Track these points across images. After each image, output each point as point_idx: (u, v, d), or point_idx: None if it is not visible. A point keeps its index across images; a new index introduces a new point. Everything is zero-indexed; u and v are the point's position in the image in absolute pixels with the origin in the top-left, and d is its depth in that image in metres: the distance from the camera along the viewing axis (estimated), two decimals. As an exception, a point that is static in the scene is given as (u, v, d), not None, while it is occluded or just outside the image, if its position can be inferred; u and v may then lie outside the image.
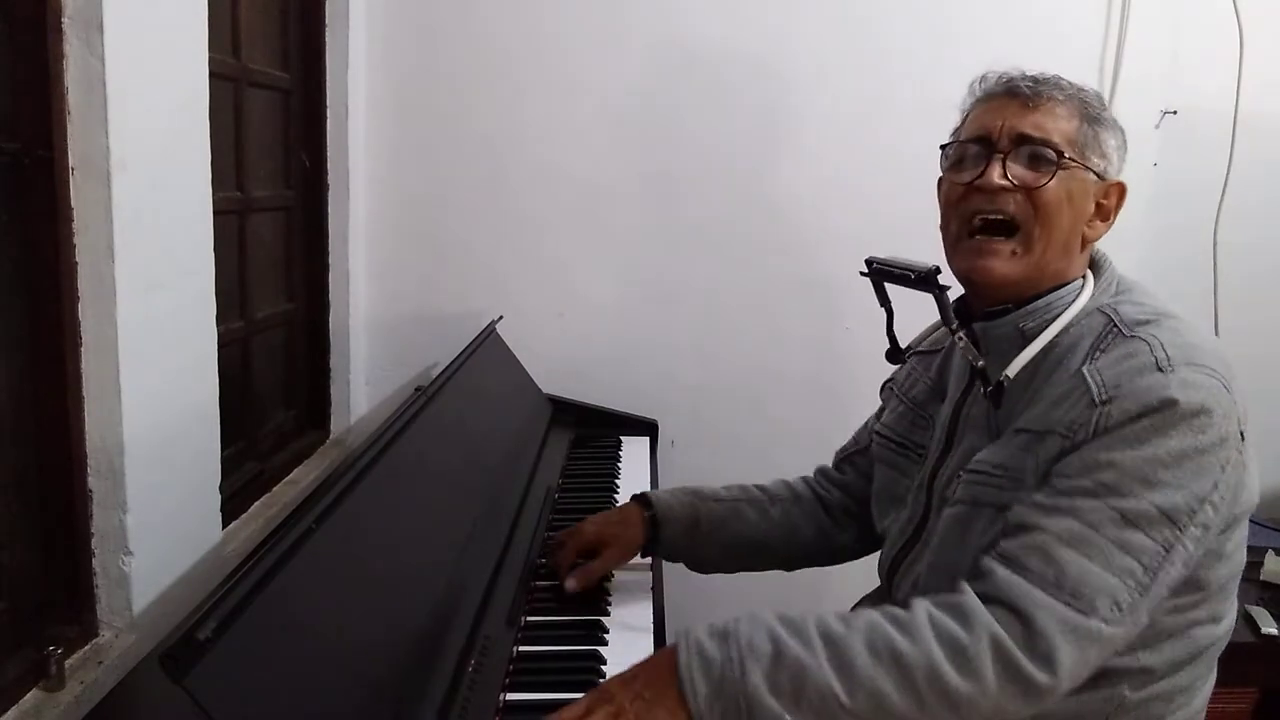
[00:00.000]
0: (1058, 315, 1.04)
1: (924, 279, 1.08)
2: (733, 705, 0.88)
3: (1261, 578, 1.94)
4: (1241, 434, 0.95)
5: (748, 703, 0.87)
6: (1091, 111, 1.07)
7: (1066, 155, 1.04)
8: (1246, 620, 1.82)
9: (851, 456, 1.38)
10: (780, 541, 1.35)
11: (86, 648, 1.13)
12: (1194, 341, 0.97)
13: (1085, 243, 1.08)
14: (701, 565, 1.37)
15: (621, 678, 0.94)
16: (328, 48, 1.90)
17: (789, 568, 1.39)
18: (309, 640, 0.90)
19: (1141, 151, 2.10)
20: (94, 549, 1.13)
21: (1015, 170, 1.04)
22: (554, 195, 2.09)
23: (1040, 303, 1.06)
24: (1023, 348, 1.05)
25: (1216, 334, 2.15)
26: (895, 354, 1.19)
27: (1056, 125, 1.05)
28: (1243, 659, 1.75)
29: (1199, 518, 0.92)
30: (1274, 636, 1.78)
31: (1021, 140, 1.05)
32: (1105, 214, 1.09)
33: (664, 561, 1.39)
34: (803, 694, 0.87)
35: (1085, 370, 0.96)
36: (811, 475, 1.42)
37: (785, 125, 2.06)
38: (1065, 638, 0.87)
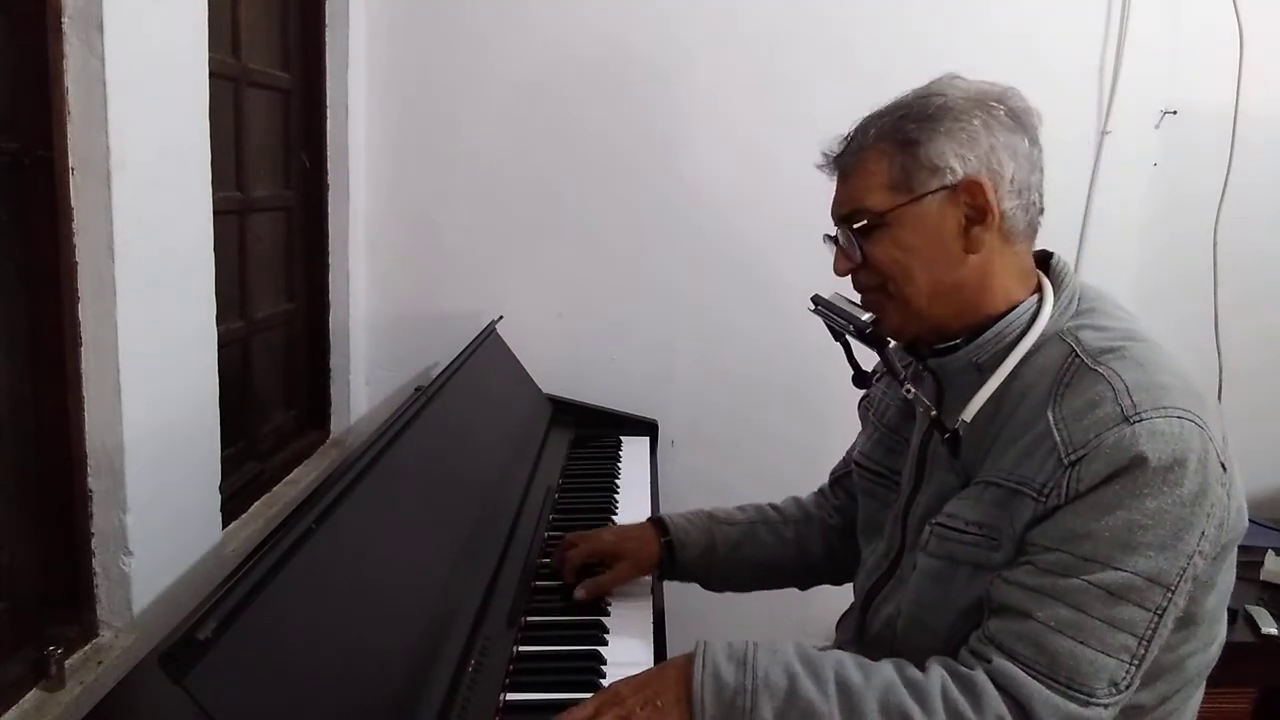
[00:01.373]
0: (1011, 344, 0.99)
1: (861, 334, 1.05)
2: None
3: (1261, 578, 1.95)
4: (1223, 466, 0.90)
5: None
6: (906, 134, 0.99)
7: (881, 210, 0.99)
8: (1247, 620, 1.82)
9: (841, 479, 1.35)
10: (794, 562, 1.33)
11: (86, 648, 1.13)
12: (1160, 379, 0.90)
13: (973, 252, 0.99)
14: (716, 587, 1.36)
15: (632, 682, 0.94)
16: (328, 48, 1.90)
17: (803, 586, 1.38)
18: (309, 640, 0.90)
19: (1141, 151, 2.11)
20: (94, 549, 1.13)
21: (847, 249, 1.03)
22: (554, 195, 2.09)
23: (989, 334, 1.00)
24: (980, 383, 0.99)
25: (1216, 334, 2.16)
26: (861, 379, 1.14)
27: (867, 184, 1.01)
28: (1243, 659, 1.76)
29: (1189, 572, 0.88)
30: (1274, 636, 1.78)
31: (843, 220, 1.03)
32: (981, 215, 0.98)
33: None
34: None
35: (1050, 415, 0.91)
36: (818, 493, 1.40)
37: (786, 126, 2.06)
38: None
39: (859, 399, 1.29)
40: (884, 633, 1.08)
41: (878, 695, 0.89)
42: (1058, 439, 0.90)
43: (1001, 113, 0.99)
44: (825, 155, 1.07)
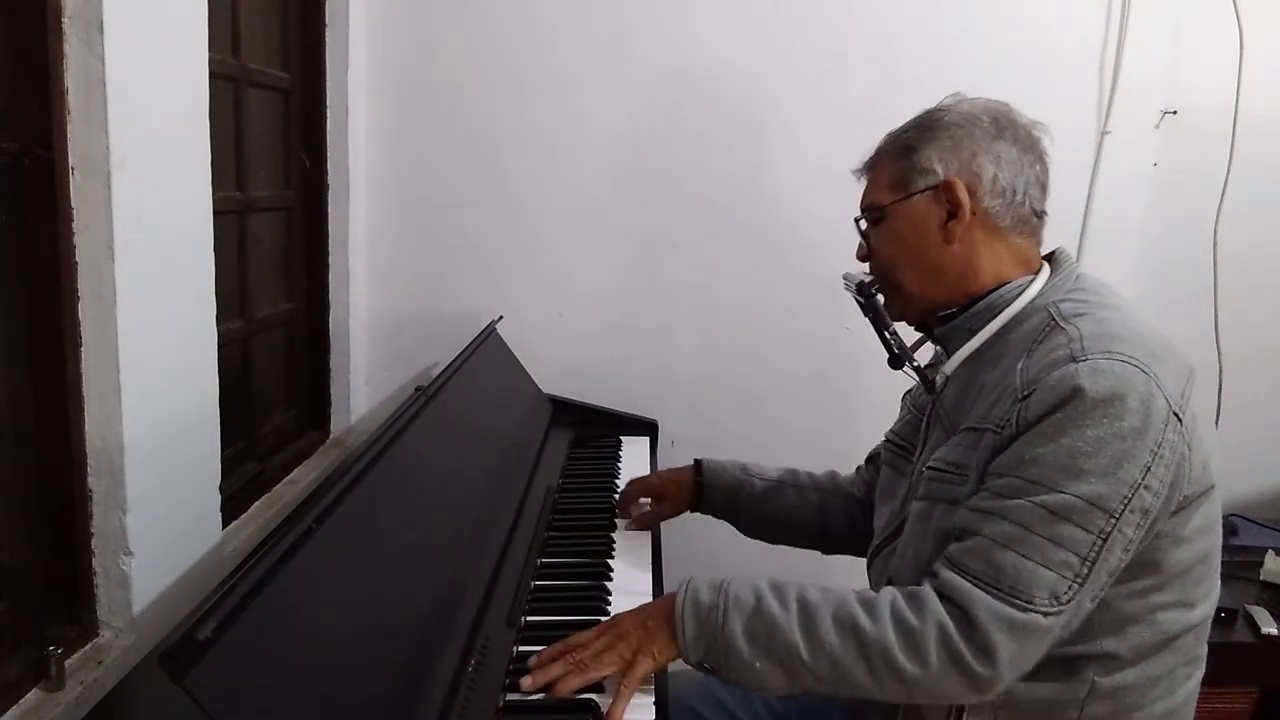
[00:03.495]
0: (999, 313, 1.10)
1: (858, 290, 1.20)
2: (713, 645, 1.01)
3: (1261, 578, 1.95)
4: (1177, 415, 0.96)
5: (725, 645, 1.00)
6: (907, 141, 1.14)
7: (884, 204, 1.15)
8: (1246, 620, 1.82)
9: (874, 457, 1.44)
10: (814, 525, 1.46)
11: (86, 648, 1.13)
12: (1115, 331, 0.99)
13: (949, 244, 1.11)
14: (745, 531, 1.52)
15: (629, 611, 1.09)
16: (328, 48, 1.90)
17: (825, 551, 1.49)
18: (309, 640, 0.90)
19: (1141, 151, 2.11)
20: (94, 549, 1.14)
21: (862, 239, 1.20)
22: (554, 195, 2.09)
23: (983, 303, 1.12)
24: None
25: (1216, 334, 2.16)
26: (894, 360, 1.21)
27: (876, 183, 1.18)
28: (1243, 659, 1.76)
29: (1135, 503, 0.93)
30: (1274, 636, 1.78)
31: (861, 213, 1.20)
32: (955, 209, 1.11)
33: (662, 563, 1.43)
34: (772, 646, 0.99)
35: (1019, 366, 1.01)
36: (855, 470, 1.50)
37: (785, 125, 2.06)
38: (1002, 631, 0.93)
39: (905, 392, 1.37)
40: (882, 584, 1.14)
41: (832, 609, 0.99)
42: (1018, 382, 1.00)
43: (986, 123, 1.12)
44: (862, 163, 1.22)
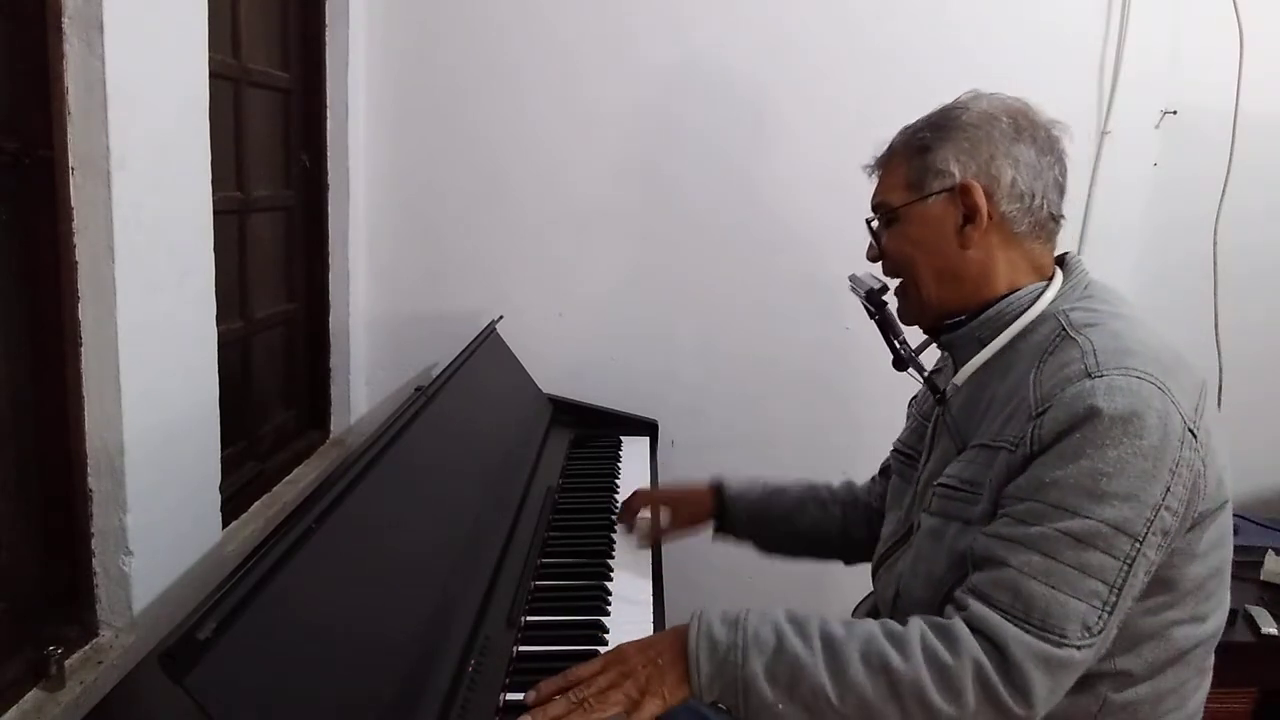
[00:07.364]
0: (1010, 320, 1.08)
1: (868, 297, 1.18)
2: (731, 687, 0.95)
3: (1261, 577, 1.95)
4: (1191, 432, 0.94)
5: (745, 687, 0.94)
6: (921, 140, 1.10)
7: (896, 206, 1.12)
8: (1246, 620, 1.82)
9: (886, 468, 1.42)
10: (837, 538, 1.44)
11: (86, 648, 1.13)
12: (1129, 345, 0.96)
13: (966, 248, 1.08)
14: (766, 549, 1.49)
15: (636, 644, 1.01)
16: (328, 48, 1.90)
17: (847, 562, 1.46)
18: (309, 640, 0.90)
19: (1141, 151, 2.11)
20: (94, 549, 1.14)
21: (873, 239, 1.17)
22: (554, 195, 2.09)
23: (991, 311, 1.09)
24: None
25: (1216, 334, 2.16)
26: (898, 363, 1.19)
27: (890, 182, 1.14)
28: (1243, 659, 1.76)
29: (1156, 525, 0.92)
30: (1274, 636, 1.78)
31: (873, 212, 1.17)
32: (971, 214, 1.07)
33: (662, 563, 1.42)
34: (797, 688, 0.93)
35: (1030, 377, 0.99)
36: (871, 479, 1.47)
37: (786, 125, 2.06)
38: (1039, 669, 0.90)
39: (910, 398, 1.35)
40: (890, 593, 1.14)
41: (859, 646, 0.94)
42: (1031, 398, 0.97)
43: (1005, 124, 1.08)
44: (874, 159, 1.19)
